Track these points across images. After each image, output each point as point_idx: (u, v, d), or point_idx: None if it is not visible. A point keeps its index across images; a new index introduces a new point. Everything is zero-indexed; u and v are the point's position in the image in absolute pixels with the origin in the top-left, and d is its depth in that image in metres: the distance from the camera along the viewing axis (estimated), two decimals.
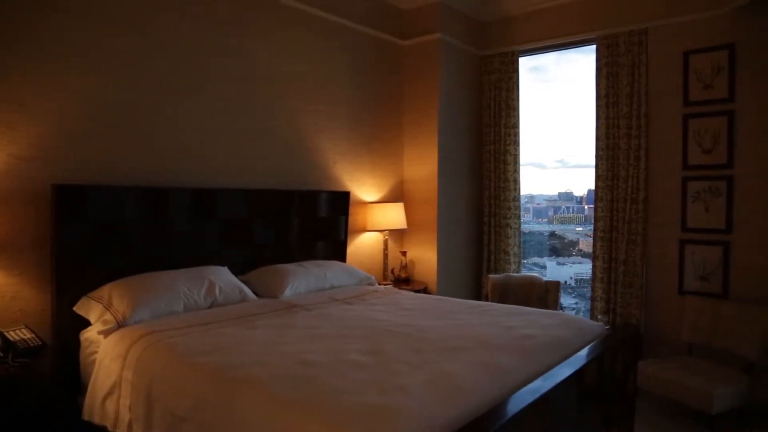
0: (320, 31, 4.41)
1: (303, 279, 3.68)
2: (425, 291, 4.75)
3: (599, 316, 4.63)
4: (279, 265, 3.77)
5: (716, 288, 4.15)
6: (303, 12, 4.24)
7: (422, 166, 5.04)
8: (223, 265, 3.48)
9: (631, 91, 4.48)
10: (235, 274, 3.50)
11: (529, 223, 6.88)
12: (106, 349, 2.62)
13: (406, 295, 3.81)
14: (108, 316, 2.72)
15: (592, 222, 4.80)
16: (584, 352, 2.56)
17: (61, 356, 2.82)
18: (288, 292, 3.52)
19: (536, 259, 6.80)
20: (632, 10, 4.48)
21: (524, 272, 5.42)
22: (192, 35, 3.52)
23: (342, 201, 4.52)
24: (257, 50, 3.94)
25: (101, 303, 2.80)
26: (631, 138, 4.47)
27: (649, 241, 4.47)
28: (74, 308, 2.86)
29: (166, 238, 3.34)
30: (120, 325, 2.70)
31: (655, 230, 4.45)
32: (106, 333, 2.67)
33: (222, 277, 3.31)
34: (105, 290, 2.87)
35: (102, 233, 3.03)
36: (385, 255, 4.80)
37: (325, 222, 4.40)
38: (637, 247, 4.45)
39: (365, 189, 4.84)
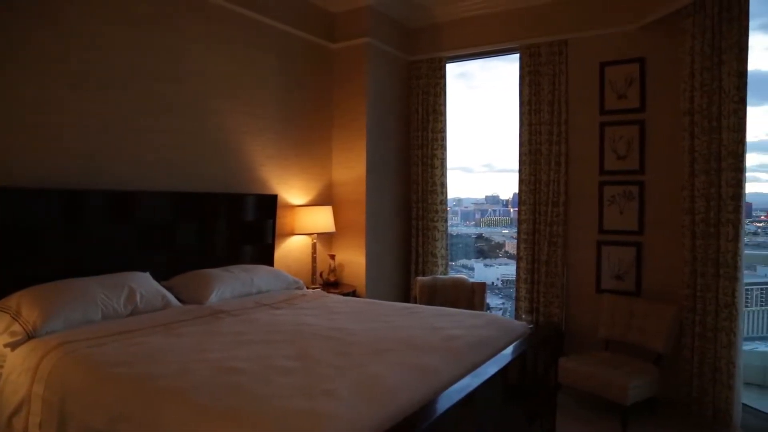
0: (249, 32, 4.32)
1: (229, 284, 3.58)
2: (354, 294, 4.74)
3: (523, 316, 4.79)
4: (204, 270, 3.65)
5: (630, 286, 4.39)
6: (231, 11, 4.15)
7: (351, 169, 5.04)
8: (144, 270, 3.33)
9: (553, 99, 4.67)
10: (158, 279, 3.36)
11: (457, 226, 7.03)
12: (14, 362, 2.44)
13: (334, 298, 3.79)
14: (16, 327, 2.54)
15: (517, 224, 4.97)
16: (509, 350, 2.64)
17: None
18: (213, 298, 3.42)
19: (464, 261, 6.96)
20: (553, 22, 4.67)
21: (452, 274, 5.52)
22: (113, 31, 3.36)
23: (269, 204, 4.44)
24: (184, 49, 3.82)
25: (8, 313, 2.61)
26: (552, 144, 4.66)
27: (569, 242, 4.67)
28: None
29: (81, 243, 3.16)
30: (30, 336, 2.53)
31: (574, 232, 4.65)
32: (13, 345, 2.49)
33: (143, 283, 3.17)
34: (13, 299, 2.68)
35: (7, 238, 2.82)
36: (314, 258, 4.76)
37: (252, 226, 4.32)
38: (558, 249, 4.63)
39: (293, 192, 4.79)
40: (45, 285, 2.81)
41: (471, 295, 4.66)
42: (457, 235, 7.01)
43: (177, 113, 3.78)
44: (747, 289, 4.87)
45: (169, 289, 3.36)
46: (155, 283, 3.26)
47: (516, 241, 4.96)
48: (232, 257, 4.11)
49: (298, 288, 4.07)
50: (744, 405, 3.70)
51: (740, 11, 3.50)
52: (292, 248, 4.79)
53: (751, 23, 3.50)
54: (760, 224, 5.41)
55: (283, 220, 4.65)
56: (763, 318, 5.19)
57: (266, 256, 4.42)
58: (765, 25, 4.42)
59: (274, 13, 4.48)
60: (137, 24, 3.52)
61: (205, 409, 1.79)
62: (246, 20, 4.28)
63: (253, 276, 3.80)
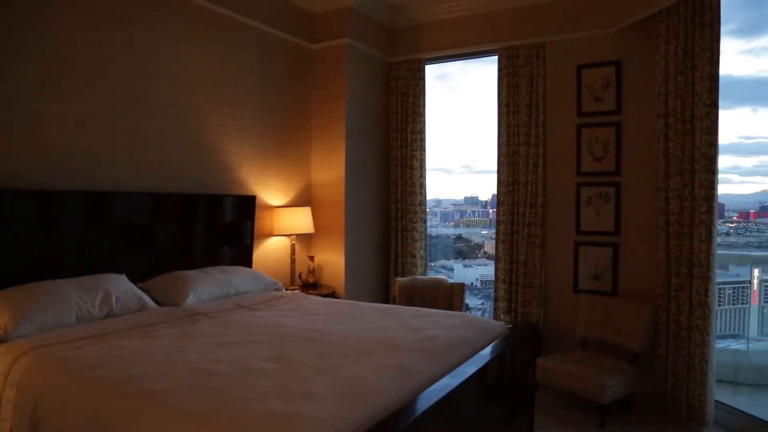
0: (229, 32, 4.29)
1: (207, 285, 3.55)
2: (333, 295, 4.73)
3: (502, 316, 4.82)
4: (181, 272, 3.61)
5: (607, 286, 4.45)
6: (211, 11, 4.11)
7: (330, 170, 5.03)
8: (120, 272, 3.28)
9: (530, 101, 4.71)
10: (135, 281, 3.31)
11: (436, 227, 7.06)
12: None
13: (313, 299, 3.78)
14: None
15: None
16: (487, 350, 2.65)
17: None
18: (191, 300, 3.39)
19: (444, 262, 6.99)
20: (531, 25, 4.72)
21: (432, 275, 5.54)
22: (90, 29, 3.31)
23: (248, 205, 4.41)
24: (163, 49, 3.77)
25: None
26: (530, 145, 4.70)
27: (547, 243, 4.71)
28: None
29: (56, 245, 3.10)
30: (1, 340, 2.48)
31: (552, 233, 4.70)
32: None
33: (119, 285, 3.12)
34: None
35: None
36: (293, 260, 4.74)
37: (231, 227, 4.28)
38: (536, 249, 4.68)
39: (272, 193, 4.76)
40: (17, 287, 2.76)
41: (450, 296, 4.68)
42: (437, 236, 7.04)
43: (155, 113, 3.73)
44: (719, 289, 4.96)
45: (145, 290, 3.32)
46: (131, 285, 3.22)
47: (494, 241, 5.00)
48: (210, 258, 4.07)
49: (277, 289, 4.05)
50: (717, 402, 3.77)
51: (712, 17, 3.57)
52: (271, 249, 4.77)
53: (723, 29, 3.57)
54: (732, 225, 5.52)
55: (261, 221, 4.62)
56: (735, 316, 5.29)
57: (245, 258, 4.39)
58: (736, 31, 4.52)
59: (253, 13, 4.45)
60: (115, 22, 3.46)
61: (183, 411, 1.77)
62: (226, 20, 4.25)
63: (231, 277, 3.77)
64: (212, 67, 4.17)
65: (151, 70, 3.70)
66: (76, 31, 3.26)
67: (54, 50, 3.15)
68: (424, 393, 2.01)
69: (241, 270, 3.98)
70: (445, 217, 7.34)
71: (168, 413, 1.79)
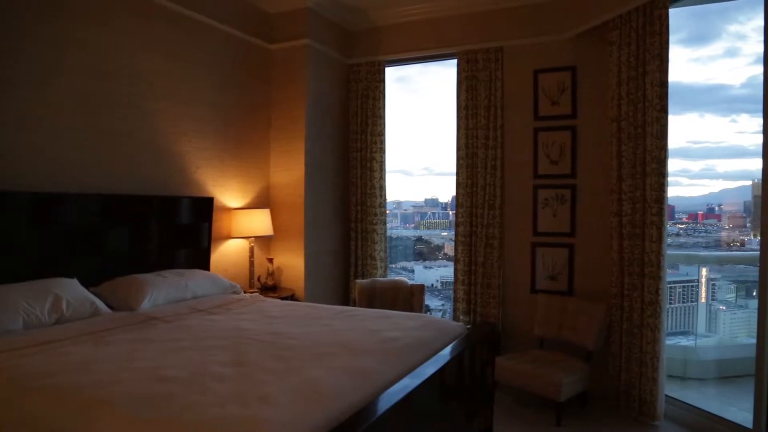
0: (185, 30, 4.20)
1: (162, 289, 3.47)
2: (292, 298, 4.69)
3: (461, 316, 4.87)
4: (136, 276, 3.52)
5: (563, 286, 4.55)
6: (168, 9, 4.03)
7: (289, 171, 4.98)
8: (71, 276, 3.17)
9: (489, 104, 4.78)
10: (87, 286, 3.21)
11: (397, 229, 7.07)
12: None
13: (272, 302, 3.74)
14: None
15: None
16: (446, 351, 2.68)
17: None
18: (146, 304, 3.30)
19: (404, 264, 7.00)
20: (489, 29, 4.79)
21: (393, 276, 5.55)
22: (37, 24, 3.19)
23: (205, 207, 4.34)
24: (115, 46, 3.67)
25: None
26: (489, 148, 4.77)
27: (505, 244, 4.79)
28: None
29: (0, 249, 2.98)
30: None
31: (510, 234, 4.78)
32: None
33: (70, 289, 3.02)
34: None
35: None
36: (251, 262, 4.68)
37: (187, 229, 4.20)
38: (495, 251, 4.74)
39: (230, 195, 4.69)
40: None
41: (410, 298, 4.70)
42: (397, 238, 7.05)
43: (108, 112, 3.63)
44: (670, 287, 5.14)
45: (98, 295, 3.23)
46: (83, 290, 3.12)
47: (454, 243, 5.04)
48: (165, 262, 3.98)
49: (235, 292, 3.99)
50: (667, 396, 3.89)
51: (661, 26, 3.69)
52: (229, 252, 4.69)
53: (672, 37, 3.70)
54: (682, 226, 5.70)
55: (219, 223, 4.55)
56: (684, 314, 5.46)
57: (202, 261, 4.30)
58: (684, 40, 4.69)
59: (211, 12, 4.38)
60: (68, 18, 3.35)
61: (136, 419, 1.73)
62: (183, 18, 4.17)
63: (188, 281, 3.70)
64: (169, 67, 4.08)
65: (105, 67, 3.60)
66: (26, 25, 3.14)
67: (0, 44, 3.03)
68: (384, 394, 2.02)
69: (198, 273, 3.91)
70: (406, 218, 7.36)
71: (121, 421, 1.74)
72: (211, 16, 4.39)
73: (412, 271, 6.90)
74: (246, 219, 4.59)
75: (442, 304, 6.52)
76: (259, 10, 4.92)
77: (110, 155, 3.66)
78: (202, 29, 4.35)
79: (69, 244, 3.35)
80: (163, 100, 4.04)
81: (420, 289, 4.73)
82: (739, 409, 3.80)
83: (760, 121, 3.23)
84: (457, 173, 4.94)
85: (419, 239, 7.21)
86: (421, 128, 6.40)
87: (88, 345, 2.51)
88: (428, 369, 2.34)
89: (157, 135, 4.01)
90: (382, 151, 5.35)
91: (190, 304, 3.47)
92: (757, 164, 3.28)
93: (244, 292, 4.16)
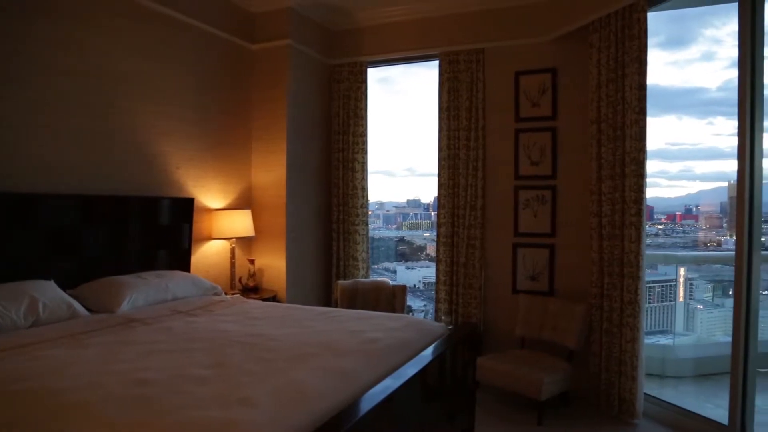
0: (166, 30, 4.16)
1: (142, 291, 3.42)
2: (274, 299, 4.66)
3: (443, 317, 4.88)
4: (115, 277, 3.47)
5: (544, 286, 4.58)
6: (148, 8, 3.98)
7: (271, 172, 4.96)
8: (48, 278, 3.12)
9: (470, 105, 4.80)
10: (64, 288, 3.16)
11: (379, 230, 7.07)
12: None
13: (254, 304, 3.71)
14: None
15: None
16: (428, 351, 2.68)
17: None
18: (125, 306, 3.26)
19: (387, 264, 7.00)
20: (471, 31, 4.81)
21: (375, 277, 5.54)
22: (14, 21, 3.14)
23: (186, 208, 4.29)
24: (93, 44, 3.61)
25: None
26: (470, 149, 4.79)
27: (486, 245, 4.81)
28: None
29: None
30: None
31: (491, 235, 4.80)
32: None
33: (46, 292, 2.96)
34: None
35: None
36: (232, 263, 4.65)
37: (168, 230, 4.15)
38: (476, 251, 4.76)
39: (211, 195, 4.65)
40: None
41: (392, 298, 4.70)
42: (380, 239, 7.06)
43: (85, 111, 3.57)
44: (649, 287, 5.21)
45: (76, 297, 3.17)
46: (60, 292, 3.07)
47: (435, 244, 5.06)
48: (145, 263, 3.93)
49: (216, 294, 3.95)
50: (646, 395, 3.94)
51: (639, 29, 3.74)
52: (210, 253, 4.65)
53: (650, 41, 3.75)
54: (661, 226, 5.78)
55: (200, 224, 4.50)
56: (663, 313, 5.53)
57: (182, 262, 4.26)
58: (662, 43, 4.77)
59: (191, 10, 4.33)
60: (42, 14, 3.29)
61: (114, 422, 1.70)
62: (164, 17, 4.12)
63: (168, 282, 3.66)
64: (149, 66, 4.03)
65: (82, 66, 3.54)
66: (3, 24, 3.08)
67: None
68: (366, 395, 2.01)
69: (178, 274, 3.87)
70: (388, 219, 7.36)
71: (99, 425, 1.71)
72: (193, 15, 4.35)
73: (395, 271, 6.90)
74: (227, 220, 4.56)
75: (425, 305, 6.54)
76: (240, 9, 4.89)
77: (89, 155, 3.60)
78: (183, 28, 4.31)
79: (46, 246, 3.29)
80: (143, 100, 4.00)
81: (402, 290, 4.73)
82: (716, 406, 3.87)
83: (736, 123, 3.30)
84: (439, 174, 4.96)
85: (401, 240, 7.22)
86: (404, 129, 6.42)
87: (65, 348, 2.47)
88: (410, 370, 2.34)
89: (137, 135, 3.96)
90: (364, 151, 5.34)
91: (171, 306, 3.43)
92: (732, 166, 3.34)
93: (225, 294, 4.13)
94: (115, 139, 3.80)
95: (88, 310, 3.16)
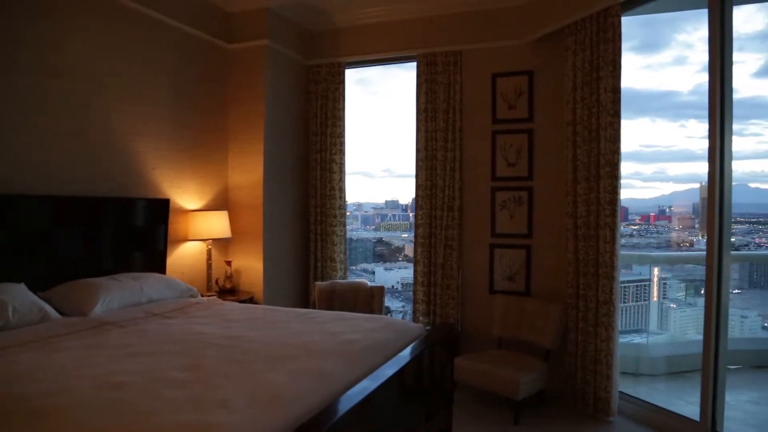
0: (142, 28, 4.10)
1: (116, 293, 3.37)
2: (251, 301, 4.63)
3: (421, 318, 4.89)
4: (88, 279, 3.41)
5: (520, 287, 4.62)
6: (123, 6, 3.92)
7: (248, 173, 4.92)
8: (18, 281, 3.04)
9: (448, 107, 4.82)
10: (35, 291, 3.10)
11: (357, 230, 7.06)
12: None
13: (230, 306, 3.68)
14: None
15: None
16: (406, 352, 2.69)
17: None
18: (99, 309, 3.20)
19: (365, 265, 7.00)
20: (449, 33, 4.84)
21: (353, 278, 5.53)
22: None
23: (161, 209, 4.24)
24: (66, 42, 3.54)
25: None
26: (447, 150, 4.81)
27: (463, 245, 4.84)
28: None
29: None
30: None
31: (468, 236, 4.83)
32: None
33: (16, 295, 2.90)
34: None
35: None
36: (209, 265, 4.60)
37: (143, 231, 4.09)
38: (454, 252, 4.79)
39: (187, 196, 4.59)
40: None
41: (370, 299, 4.70)
42: (358, 240, 7.05)
43: (58, 111, 3.51)
44: (624, 287, 5.29)
45: (47, 300, 3.11)
46: (31, 295, 3.00)
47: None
48: (120, 265, 3.87)
49: (192, 296, 3.91)
50: (621, 392, 4.00)
51: (614, 33, 3.79)
52: (186, 255, 4.60)
53: (624, 45, 3.81)
54: (635, 227, 5.88)
55: (176, 225, 4.45)
56: (637, 312, 5.62)
57: (158, 264, 4.21)
58: (636, 47, 4.86)
59: (167, 9, 4.28)
60: (16, 11, 3.22)
61: (88, 427, 1.68)
62: (139, 16, 4.06)
63: (143, 284, 3.61)
64: (123, 65, 3.97)
65: (55, 65, 3.48)
66: None
67: None
68: (343, 396, 2.01)
69: (153, 276, 3.81)
70: (366, 220, 7.36)
71: (72, 430, 1.68)
72: (169, 14, 4.30)
73: (373, 273, 6.90)
74: (203, 221, 4.51)
75: (403, 306, 6.55)
76: (217, 9, 4.84)
77: (61, 156, 3.54)
78: (158, 27, 4.25)
79: (17, 248, 3.22)
80: (117, 100, 3.93)
81: (380, 291, 4.73)
82: (688, 403, 3.94)
83: (707, 126, 3.36)
84: (417, 175, 4.97)
85: (380, 241, 7.22)
86: (382, 130, 6.42)
87: (36, 352, 2.42)
88: (388, 370, 2.34)
89: (111, 135, 3.90)
90: (342, 152, 5.33)
91: (146, 308, 3.38)
92: (704, 168, 3.41)
93: (202, 296, 4.09)
94: (90, 139, 3.74)
95: (61, 313, 3.09)
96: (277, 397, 1.91)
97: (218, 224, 4.57)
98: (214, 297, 4.17)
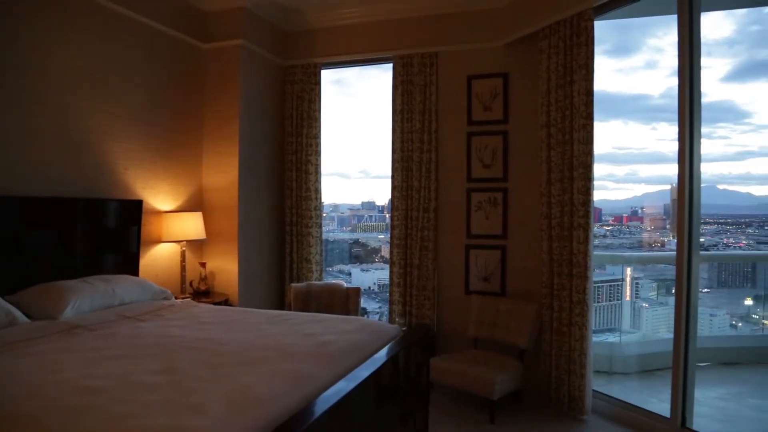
0: (116, 27, 4.03)
1: (87, 296, 3.29)
2: (226, 303, 4.58)
3: (397, 319, 4.90)
4: (58, 282, 3.33)
5: (496, 287, 4.66)
6: (98, 4, 3.85)
7: (223, 174, 4.87)
8: None
9: (424, 109, 4.84)
10: (2, 295, 3.02)
11: (334, 232, 7.04)
12: None
13: (204, 308, 3.64)
14: None
15: None
16: (381, 353, 2.68)
17: None
18: (69, 312, 3.12)
19: (341, 267, 6.98)
20: (424, 35, 4.86)
21: (330, 279, 5.52)
22: None
23: (134, 210, 4.17)
24: (35, 40, 3.46)
25: None
26: (423, 152, 4.83)
27: (439, 247, 4.86)
28: None
29: None
30: None
31: (444, 237, 4.85)
32: None
33: None
34: None
35: None
36: (183, 267, 4.54)
37: (115, 233, 4.02)
38: (429, 253, 4.80)
39: (161, 197, 4.53)
40: None
41: (346, 301, 4.69)
42: (334, 241, 7.03)
43: (26, 110, 3.42)
44: (598, 287, 5.37)
45: (15, 304, 3.02)
46: None
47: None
48: (91, 267, 3.79)
49: (166, 298, 3.85)
50: (594, 391, 4.06)
51: (587, 37, 3.85)
52: (160, 256, 4.53)
53: (597, 48, 3.87)
54: (609, 228, 5.97)
55: (149, 226, 4.38)
56: (610, 312, 5.71)
57: (130, 266, 4.13)
58: (609, 51, 4.95)
59: (140, 7, 4.21)
60: None
61: None
62: (113, 14, 3.99)
63: (115, 287, 3.54)
64: (94, 63, 3.89)
65: (24, 62, 3.39)
66: None
67: None
68: (319, 398, 2.00)
69: (126, 279, 3.75)
70: (343, 221, 7.34)
71: None
72: (142, 12, 4.23)
73: (349, 274, 6.89)
74: (177, 222, 4.45)
75: (380, 307, 6.54)
76: (192, 8, 4.79)
77: (28, 156, 3.45)
78: (132, 26, 4.18)
79: None
80: (90, 99, 3.86)
81: (356, 292, 4.72)
82: (659, 401, 4.01)
83: (677, 129, 3.43)
84: (393, 176, 4.98)
85: (356, 242, 7.21)
86: (358, 131, 6.41)
87: (3, 357, 2.35)
88: (363, 372, 2.33)
89: (83, 135, 3.82)
90: (318, 153, 5.31)
91: (118, 311, 3.32)
92: (674, 170, 3.47)
93: (176, 298, 4.03)
94: (60, 139, 3.65)
95: (29, 317, 3.01)
96: (252, 399, 1.89)
97: (192, 225, 4.52)
98: (188, 299, 4.12)
